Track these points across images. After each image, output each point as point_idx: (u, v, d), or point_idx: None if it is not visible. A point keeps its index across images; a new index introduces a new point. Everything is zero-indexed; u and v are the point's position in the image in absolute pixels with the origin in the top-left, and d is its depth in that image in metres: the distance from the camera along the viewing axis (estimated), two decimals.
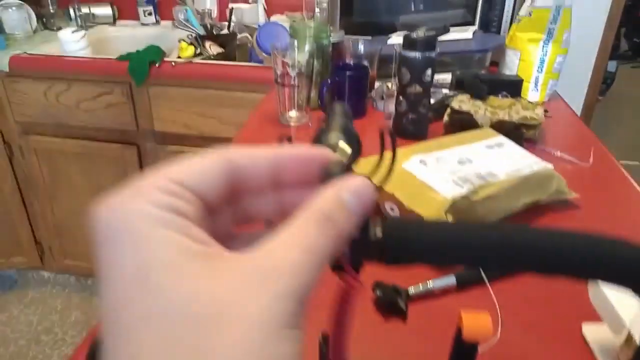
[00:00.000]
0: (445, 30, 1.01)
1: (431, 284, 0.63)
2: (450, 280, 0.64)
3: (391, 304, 0.60)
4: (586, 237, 0.31)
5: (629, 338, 0.47)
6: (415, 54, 1.00)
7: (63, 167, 1.83)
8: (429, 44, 1.00)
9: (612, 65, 3.93)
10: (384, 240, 0.29)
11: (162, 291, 0.18)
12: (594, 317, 0.55)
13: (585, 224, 0.80)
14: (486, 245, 0.31)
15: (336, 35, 1.29)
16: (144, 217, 0.19)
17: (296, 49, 1.16)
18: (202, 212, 0.21)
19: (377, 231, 0.30)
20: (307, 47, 1.16)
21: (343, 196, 0.22)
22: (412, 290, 0.63)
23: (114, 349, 0.18)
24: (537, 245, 0.31)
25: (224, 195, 0.23)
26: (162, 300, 0.17)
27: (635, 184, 0.92)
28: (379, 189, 0.31)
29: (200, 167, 0.22)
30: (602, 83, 2.45)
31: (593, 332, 0.57)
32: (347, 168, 0.30)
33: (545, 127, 1.10)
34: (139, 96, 1.66)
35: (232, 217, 0.25)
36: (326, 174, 0.26)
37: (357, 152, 0.32)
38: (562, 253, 0.30)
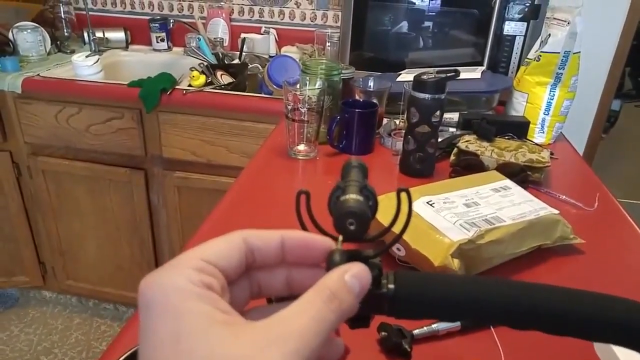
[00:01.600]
0: (456, 75, 1.02)
1: (436, 326, 0.64)
2: (454, 323, 0.64)
3: (396, 345, 0.61)
4: (595, 298, 0.31)
5: None
6: (425, 96, 1.02)
7: (70, 188, 1.85)
8: (439, 86, 1.01)
9: (616, 104, 3.96)
10: (395, 295, 0.31)
11: (190, 352, 0.21)
12: None
13: (589, 269, 0.80)
14: (497, 304, 0.31)
15: (347, 72, 1.31)
16: (179, 290, 0.23)
17: (307, 85, 1.18)
18: (224, 285, 0.26)
19: (389, 285, 0.31)
20: (318, 83, 1.17)
21: (347, 279, 0.27)
22: (417, 331, 0.63)
23: None
24: (547, 306, 0.31)
25: (241, 270, 0.28)
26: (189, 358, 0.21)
27: (639, 230, 0.92)
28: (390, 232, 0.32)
29: (222, 247, 0.27)
30: (606, 121, 2.47)
31: (606, 351, 0.56)
32: (365, 226, 0.31)
33: (551, 170, 1.11)
34: (148, 122, 1.68)
35: (248, 291, 0.30)
36: (330, 262, 0.29)
37: (374, 209, 0.33)
38: (571, 315, 0.30)
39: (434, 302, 0.31)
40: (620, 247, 0.88)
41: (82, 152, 1.78)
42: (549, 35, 1.23)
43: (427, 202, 0.81)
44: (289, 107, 1.16)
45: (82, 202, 1.86)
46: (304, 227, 0.33)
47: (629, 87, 4.73)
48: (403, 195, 0.32)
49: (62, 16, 2.15)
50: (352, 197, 0.31)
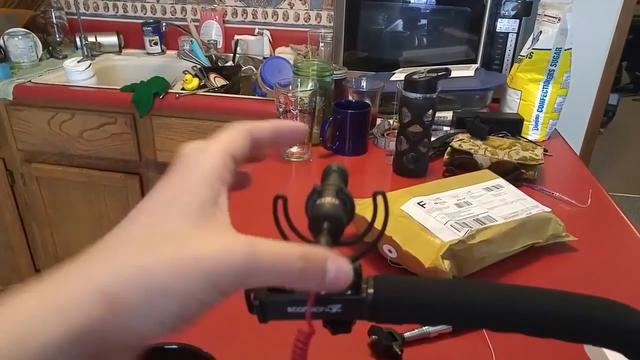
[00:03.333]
0: (447, 74, 1.01)
1: (427, 328, 0.63)
2: (445, 325, 0.63)
3: (387, 349, 0.60)
4: (576, 299, 0.31)
5: None
6: (416, 95, 1.01)
7: (65, 195, 1.84)
8: (430, 86, 1.01)
9: (613, 98, 3.95)
10: (374, 300, 0.30)
11: (173, 206, 0.25)
12: None
13: (582, 267, 0.80)
14: (479, 308, 0.31)
15: (339, 73, 1.30)
16: (204, 167, 0.28)
17: (299, 86, 1.17)
18: (234, 167, 0.30)
19: (369, 290, 0.30)
20: (310, 84, 1.17)
21: (328, 265, 0.26)
22: (407, 334, 0.62)
23: (132, 213, 0.26)
24: (527, 309, 0.30)
25: (247, 154, 0.31)
26: (172, 208, 0.25)
27: (632, 226, 0.92)
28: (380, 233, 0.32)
29: (240, 144, 0.30)
30: (604, 116, 2.46)
31: (597, 352, 0.55)
32: (340, 230, 0.31)
33: (545, 167, 1.10)
34: (142, 126, 1.68)
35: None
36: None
37: (351, 214, 0.32)
38: (554, 317, 0.30)
39: (414, 307, 0.31)
40: (613, 243, 0.88)
41: (76, 158, 1.77)
42: (540, 32, 1.22)
43: (418, 203, 0.81)
44: (281, 109, 1.15)
45: (78, 208, 1.85)
46: (281, 232, 0.33)
47: (627, 81, 4.73)
48: (380, 198, 0.32)
49: (54, 21, 2.15)
50: (328, 200, 0.31)
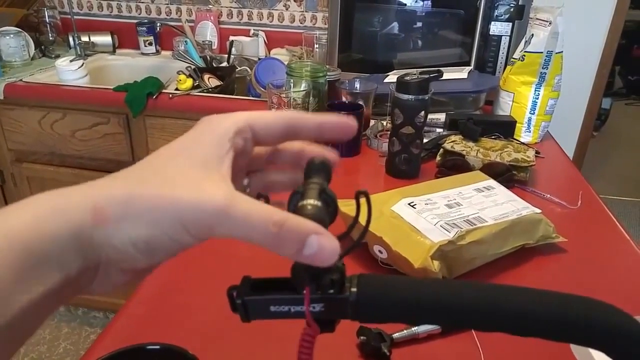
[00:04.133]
0: (439, 76, 1.02)
1: (416, 329, 0.63)
2: (435, 325, 0.63)
3: (375, 350, 0.60)
4: (556, 298, 0.31)
5: None
6: (409, 97, 1.01)
7: None
8: (422, 87, 1.01)
9: (606, 102, 3.98)
10: (358, 299, 0.30)
11: (180, 155, 0.29)
12: None
13: (572, 268, 0.80)
14: (461, 307, 0.31)
15: (332, 74, 1.30)
16: (217, 129, 0.30)
17: (292, 87, 1.17)
18: (250, 148, 0.32)
19: (352, 289, 0.30)
20: (303, 86, 1.17)
21: (310, 239, 0.27)
22: (397, 335, 0.62)
23: (146, 158, 0.29)
24: (511, 308, 0.30)
25: (278, 141, 0.34)
26: (178, 157, 0.29)
27: (621, 228, 0.93)
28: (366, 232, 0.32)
29: (269, 121, 0.32)
30: (597, 119, 2.47)
31: (583, 352, 0.55)
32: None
33: (536, 169, 1.11)
34: (135, 127, 1.67)
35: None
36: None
37: (333, 215, 0.32)
38: (536, 316, 0.30)
39: (397, 306, 0.31)
40: (602, 244, 0.89)
41: (68, 158, 1.76)
42: (532, 35, 1.23)
43: (409, 204, 0.81)
44: (274, 110, 1.15)
45: None
46: None
47: (619, 86, 4.76)
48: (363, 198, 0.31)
49: (47, 21, 2.14)
50: (310, 202, 0.30)
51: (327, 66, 1.32)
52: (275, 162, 0.36)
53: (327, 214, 0.31)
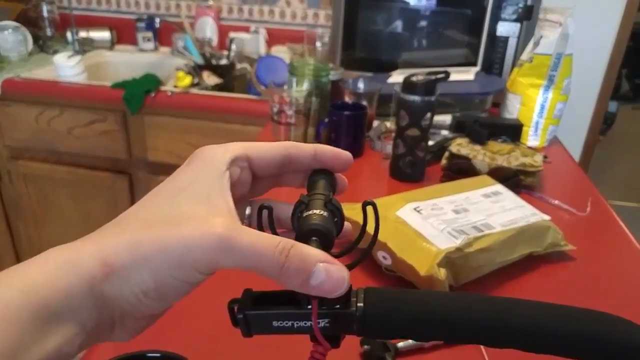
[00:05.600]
0: (446, 77, 0.99)
1: None
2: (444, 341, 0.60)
3: (379, 359, 0.57)
4: (577, 315, 0.29)
5: None
6: (415, 98, 0.98)
7: (52, 193, 1.80)
8: (429, 88, 0.98)
9: (613, 106, 3.94)
10: (364, 314, 0.29)
11: (181, 193, 0.29)
12: None
13: (581, 277, 0.78)
14: (473, 325, 0.29)
15: (336, 73, 1.27)
16: (212, 160, 0.30)
17: (294, 86, 1.14)
18: (248, 178, 0.32)
19: (358, 304, 0.29)
20: (305, 85, 1.13)
21: (318, 268, 0.26)
22: (401, 344, 0.60)
23: (146, 197, 0.29)
24: (526, 324, 0.29)
25: (275, 171, 0.33)
26: (180, 196, 0.28)
27: (631, 236, 0.90)
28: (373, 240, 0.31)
29: (266, 151, 0.32)
30: (603, 123, 2.44)
31: None
32: (329, 244, 0.29)
33: (544, 174, 1.08)
34: (133, 124, 1.64)
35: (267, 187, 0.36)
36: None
37: (340, 226, 0.31)
38: (552, 333, 0.28)
39: (406, 323, 0.30)
40: (612, 252, 0.86)
41: (64, 155, 1.73)
42: (541, 36, 1.20)
43: (415, 209, 0.78)
44: (275, 109, 1.12)
45: (65, 208, 1.81)
46: None
47: (626, 89, 4.72)
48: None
49: (45, 15, 2.10)
50: (317, 212, 0.30)
51: (330, 65, 1.28)
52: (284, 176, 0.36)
53: (334, 225, 0.30)
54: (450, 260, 0.68)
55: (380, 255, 0.73)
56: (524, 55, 1.26)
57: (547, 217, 0.80)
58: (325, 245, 0.29)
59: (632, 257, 0.85)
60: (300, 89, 1.14)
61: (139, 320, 0.28)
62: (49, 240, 1.89)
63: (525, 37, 1.41)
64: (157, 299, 0.27)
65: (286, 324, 0.29)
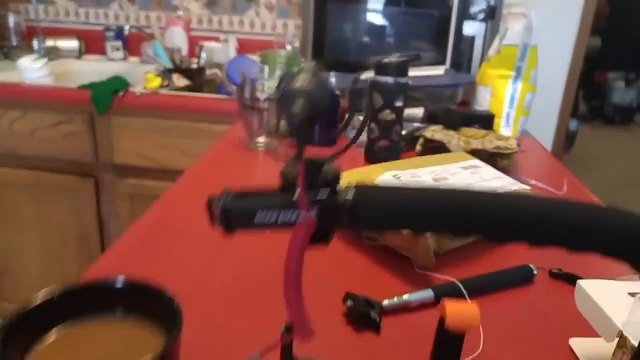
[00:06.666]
0: (417, 57, 1.00)
1: (407, 297, 0.57)
2: (427, 293, 0.58)
3: (363, 316, 0.54)
4: (578, 206, 0.29)
5: (622, 341, 0.42)
6: (387, 79, 0.98)
7: (11, 199, 1.71)
8: (401, 69, 0.99)
9: (573, 124, 4.06)
10: (354, 204, 0.29)
11: None
12: (581, 332, 0.52)
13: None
14: (465, 210, 0.29)
15: (307, 64, 1.27)
16: None
17: (266, 75, 1.13)
18: None
19: (348, 196, 0.29)
20: (277, 74, 1.13)
21: None
22: (386, 302, 0.56)
23: None
24: (525, 212, 0.29)
25: None
26: None
27: None
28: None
29: None
30: (565, 139, 2.51)
31: (581, 346, 0.51)
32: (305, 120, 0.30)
33: (518, 160, 1.09)
34: (100, 126, 1.60)
35: None
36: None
37: (324, 97, 0.31)
38: (552, 221, 0.28)
39: (396, 210, 0.30)
40: None
41: (27, 159, 1.66)
42: (507, 29, 1.23)
43: (394, 176, 0.77)
44: (248, 96, 1.10)
45: (25, 214, 1.73)
46: None
47: (583, 111, 4.91)
48: None
49: (12, 26, 2.06)
50: (302, 78, 0.30)
51: (302, 57, 1.28)
52: None
53: (320, 91, 0.30)
54: None
55: None
56: (492, 50, 1.29)
57: (527, 187, 0.79)
58: (309, 105, 0.28)
59: None
60: (272, 78, 1.13)
61: None
62: (6, 249, 1.80)
63: (491, 36, 1.45)
64: None
65: (270, 216, 0.28)
